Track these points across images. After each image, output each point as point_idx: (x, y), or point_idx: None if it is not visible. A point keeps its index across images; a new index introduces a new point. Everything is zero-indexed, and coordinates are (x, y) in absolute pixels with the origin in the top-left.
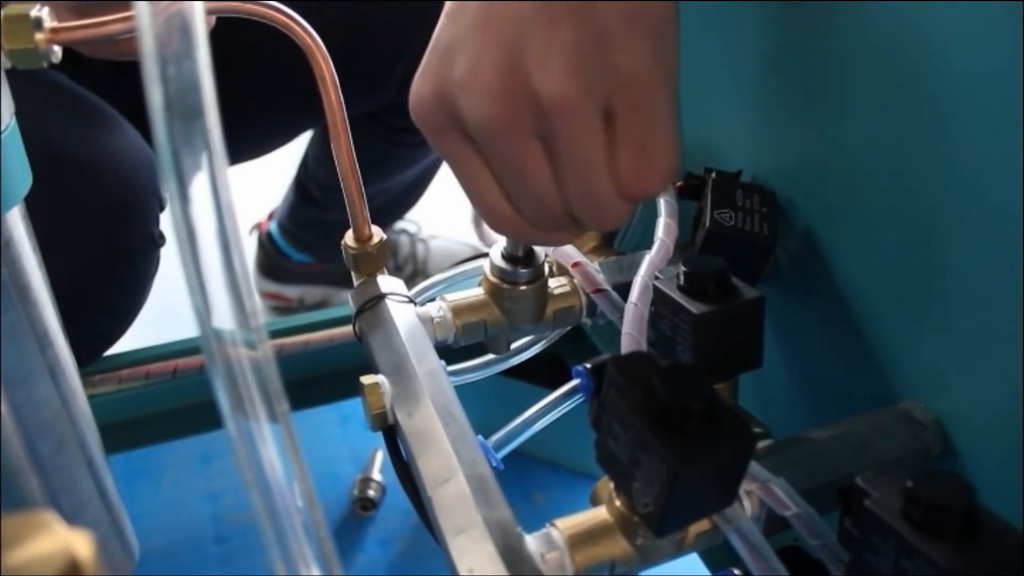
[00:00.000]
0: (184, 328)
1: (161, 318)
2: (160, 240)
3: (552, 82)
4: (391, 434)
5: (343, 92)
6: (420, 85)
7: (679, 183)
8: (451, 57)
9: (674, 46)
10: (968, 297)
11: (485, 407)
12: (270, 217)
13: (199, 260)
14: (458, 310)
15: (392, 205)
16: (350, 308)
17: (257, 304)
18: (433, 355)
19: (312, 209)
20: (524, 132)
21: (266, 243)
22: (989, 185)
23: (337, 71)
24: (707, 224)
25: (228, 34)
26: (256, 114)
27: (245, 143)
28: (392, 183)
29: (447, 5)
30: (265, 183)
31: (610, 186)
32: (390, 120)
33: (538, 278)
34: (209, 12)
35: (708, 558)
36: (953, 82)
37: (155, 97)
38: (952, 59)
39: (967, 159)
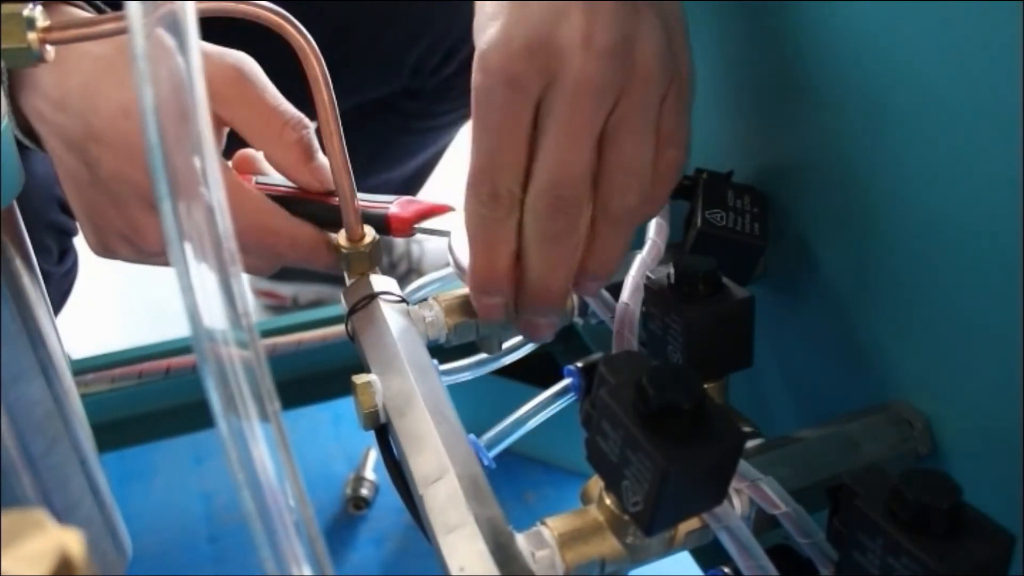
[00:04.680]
0: (177, 327)
1: (154, 317)
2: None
3: (651, 55)
4: (383, 433)
5: (356, 79)
6: (513, 39)
7: None
8: (556, 16)
9: None
10: (957, 298)
11: (477, 406)
12: None
13: (190, 259)
14: (450, 310)
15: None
16: (342, 307)
17: (249, 303)
18: (425, 354)
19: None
20: (611, 97)
21: None
22: (978, 185)
23: (351, 58)
24: (698, 224)
25: (224, 29)
26: None
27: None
28: (394, 174)
29: None
30: None
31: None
32: (402, 106)
33: None
34: (201, 12)
35: (699, 556)
36: (936, 83)
37: (146, 97)
38: (935, 64)
39: (955, 161)
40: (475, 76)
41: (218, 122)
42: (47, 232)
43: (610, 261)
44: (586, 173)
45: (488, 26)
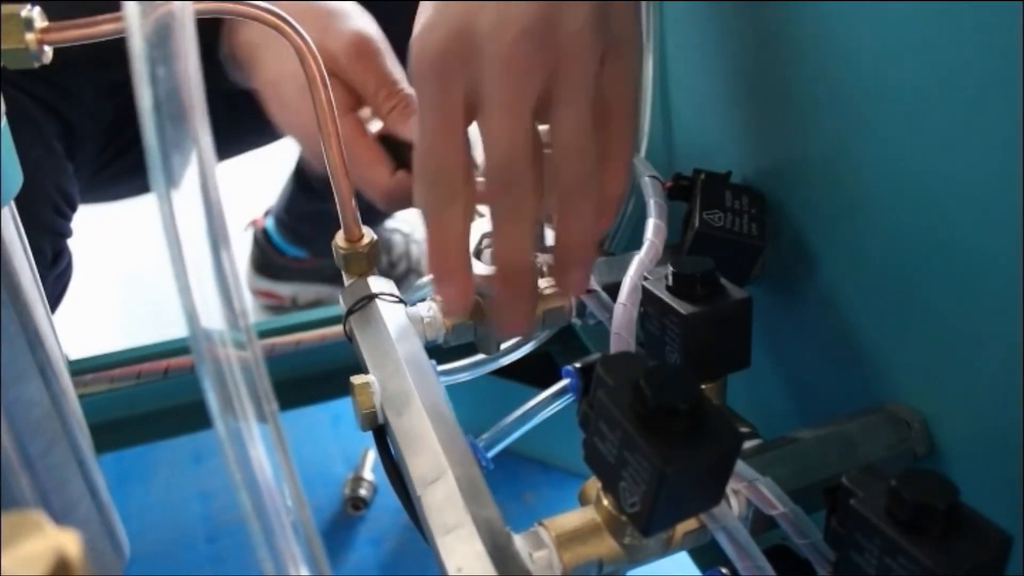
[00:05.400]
0: (175, 328)
1: (152, 317)
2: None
3: (576, 30)
4: (381, 434)
5: None
6: (434, 29)
7: (668, 184)
8: (476, 4)
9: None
10: (955, 298)
11: (475, 407)
12: (266, 214)
13: (187, 260)
14: None
15: None
16: (341, 308)
17: (246, 304)
18: (423, 355)
19: (310, 200)
20: (539, 75)
21: (261, 239)
22: (977, 186)
23: None
24: (696, 225)
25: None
26: (249, 109)
27: (236, 139)
28: None
29: None
30: (264, 181)
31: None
32: None
33: None
34: (199, 13)
35: (698, 557)
36: (936, 83)
37: (144, 98)
38: (934, 63)
39: (954, 161)
40: (408, 68)
41: (348, 84)
42: (41, 234)
43: (582, 237)
44: (525, 148)
45: (419, 21)
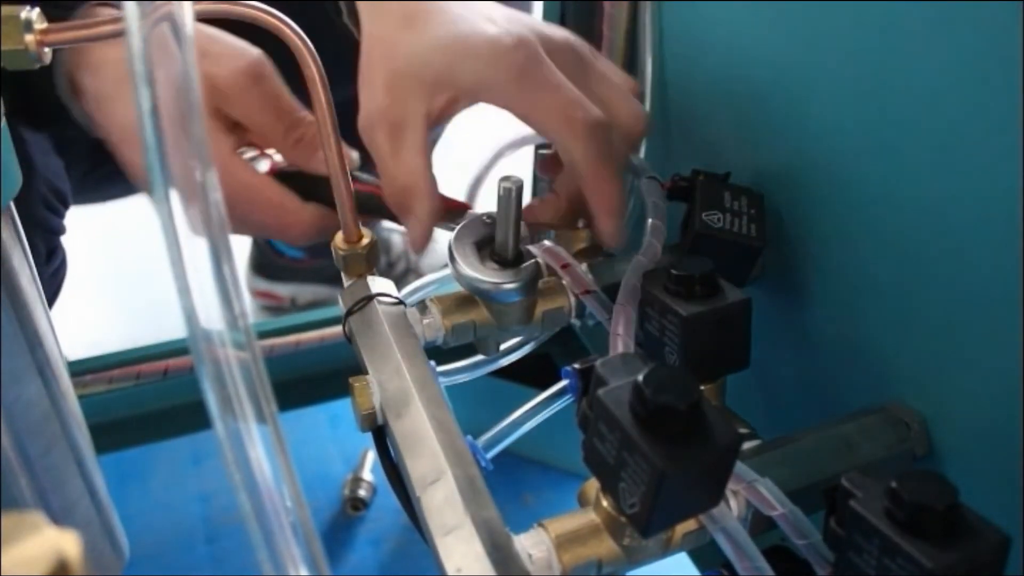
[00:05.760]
0: (175, 328)
1: (151, 318)
2: None
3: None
4: (380, 435)
5: (344, 70)
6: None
7: (667, 184)
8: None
9: None
10: (954, 299)
11: (475, 407)
12: None
13: (187, 261)
14: (447, 311)
15: None
16: (340, 309)
17: (246, 305)
18: (422, 356)
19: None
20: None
21: (261, 240)
22: (976, 186)
23: (341, 48)
24: (696, 227)
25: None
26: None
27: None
28: None
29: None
30: None
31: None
32: None
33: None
34: (198, 14)
35: (697, 558)
36: (934, 83)
37: (143, 100)
38: (933, 63)
39: (953, 161)
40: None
41: (228, 119)
42: (34, 231)
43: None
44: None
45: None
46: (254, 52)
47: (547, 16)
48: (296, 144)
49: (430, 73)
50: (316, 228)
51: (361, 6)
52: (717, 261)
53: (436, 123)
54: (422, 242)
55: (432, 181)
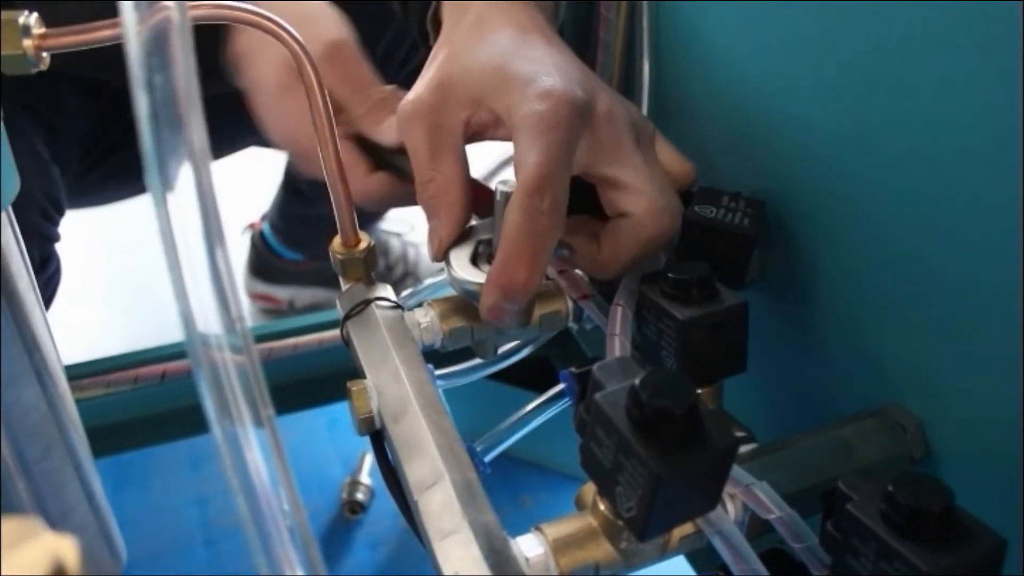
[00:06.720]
0: (172, 332)
1: (149, 322)
2: None
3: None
4: (378, 438)
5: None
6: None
7: None
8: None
9: None
10: (951, 302)
11: (473, 411)
12: (264, 217)
13: (184, 264)
14: (445, 315)
15: None
16: (338, 312)
17: (243, 308)
18: (420, 359)
19: (300, 204)
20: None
21: (258, 242)
22: (975, 189)
23: None
24: (685, 215)
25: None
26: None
27: (231, 139)
28: None
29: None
30: (262, 183)
31: None
32: None
33: None
34: (195, 18)
35: (694, 561)
36: (933, 85)
37: (141, 104)
38: (931, 65)
39: (951, 163)
40: (545, 104)
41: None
42: (29, 239)
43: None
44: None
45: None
46: (340, 34)
47: None
48: (366, 115)
49: (476, 89)
50: (379, 196)
51: (446, 7)
52: (710, 255)
53: (474, 136)
54: (441, 250)
55: (466, 192)
